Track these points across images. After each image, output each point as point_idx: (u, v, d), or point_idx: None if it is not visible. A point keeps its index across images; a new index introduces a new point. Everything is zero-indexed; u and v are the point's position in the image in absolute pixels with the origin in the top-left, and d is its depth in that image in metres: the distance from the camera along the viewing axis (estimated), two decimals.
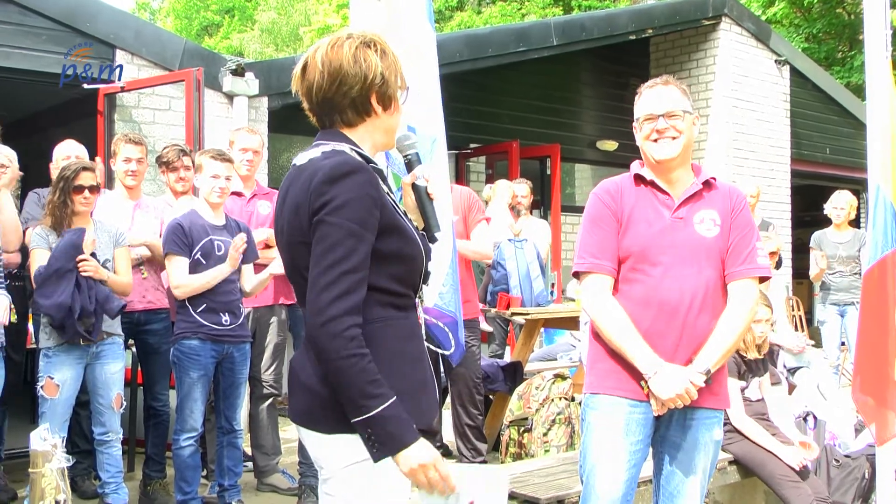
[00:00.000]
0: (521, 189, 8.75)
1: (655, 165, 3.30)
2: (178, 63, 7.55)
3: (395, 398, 2.16)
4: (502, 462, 5.86)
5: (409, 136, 2.54)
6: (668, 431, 3.29)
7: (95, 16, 7.28)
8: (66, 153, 5.63)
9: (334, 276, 2.19)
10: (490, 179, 10.46)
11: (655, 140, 3.25)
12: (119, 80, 7.30)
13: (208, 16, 31.43)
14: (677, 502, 3.30)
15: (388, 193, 2.37)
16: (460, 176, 11.17)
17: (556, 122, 11.92)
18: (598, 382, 3.32)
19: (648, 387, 3.14)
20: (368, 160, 2.39)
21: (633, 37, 11.32)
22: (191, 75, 7.04)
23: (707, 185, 3.33)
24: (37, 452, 3.01)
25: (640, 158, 3.39)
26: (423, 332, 2.45)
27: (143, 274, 5.39)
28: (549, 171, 11.47)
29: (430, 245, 2.44)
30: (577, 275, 3.39)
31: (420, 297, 2.45)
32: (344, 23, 24.85)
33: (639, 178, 3.33)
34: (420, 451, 2.17)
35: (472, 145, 11.23)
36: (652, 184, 3.31)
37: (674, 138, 3.24)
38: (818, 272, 8.48)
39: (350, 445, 2.23)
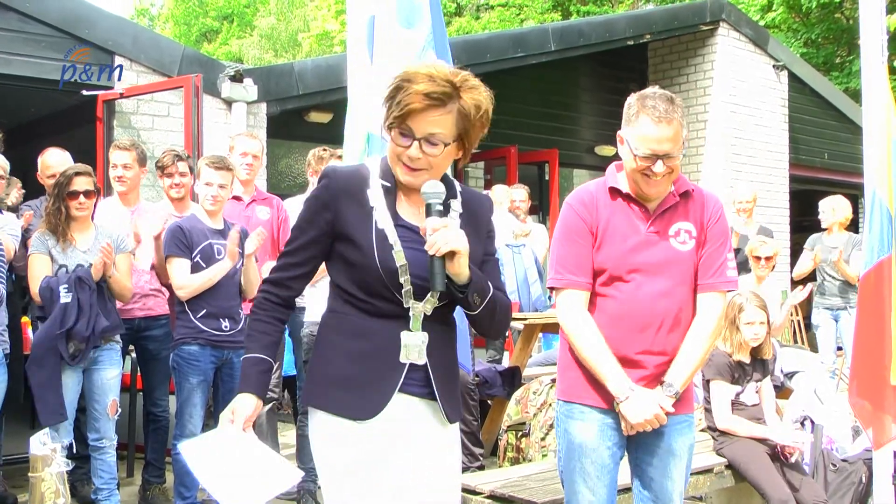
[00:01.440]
0: (519, 194, 8.79)
1: (643, 196, 3.22)
2: (177, 69, 7.58)
3: (252, 354, 2.63)
4: (500, 467, 5.87)
5: (435, 185, 2.52)
6: (641, 438, 3.26)
7: (94, 22, 7.31)
8: (50, 161, 5.65)
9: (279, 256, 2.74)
10: (488, 185, 10.48)
11: (648, 176, 3.13)
12: (119, 80, 7.33)
13: (207, 22, 31.46)
14: None
15: (367, 205, 2.58)
16: (459, 181, 11.17)
17: (554, 127, 11.95)
18: (569, 391, 3.30)
19: (619, 409, 3.15)
20: (389, 174, 2.61)
21: (631, 42, 11.37)
22: (189, 81, 7.06)
23: (685, 195, 3.25)
24: (36, 457, 3.03)
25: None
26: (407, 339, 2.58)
27: (135, 259, 5.33)
28: (547, 177, 11.49)
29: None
30: (552, 289, 3.38)
31: (411, 308, 2.57)
32: (342, 28, 24.92)
33: (614, 191, 3.25)
34: (237, 400, 2.61)
35: None
36: (628, 196, 3.24)
37: (666, 176, 3.14)
38: (803, 271, 8.55)
39: None
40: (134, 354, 5.79)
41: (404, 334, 2.57)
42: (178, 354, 4.94)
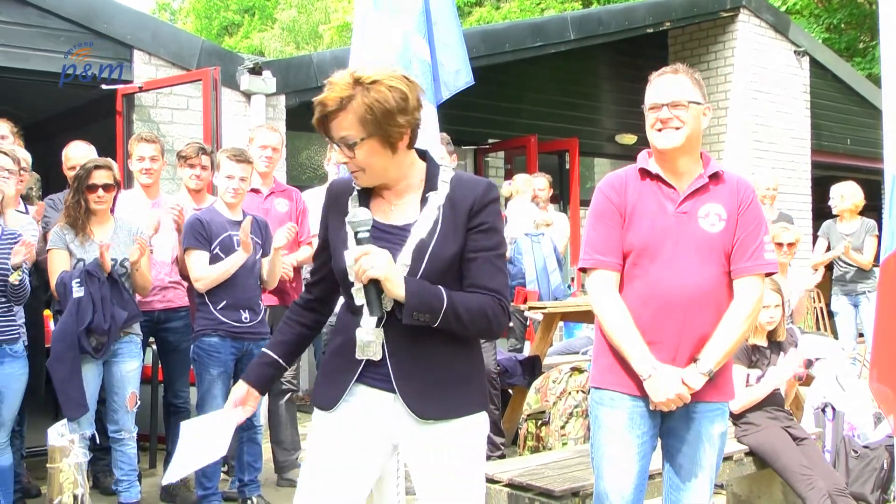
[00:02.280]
0: (540, 182, 8.78)
1: (659, 156, 3.27)
2: (196, 62, 7.61)
3: (264, 350, 2.86)
4: (520, 455, 5.88)
5: (356, 214, 2.57)
6: (672, 424, 3.28)
7: (112, 17, 7.35)
8: (73, 154, 5.69)
9: None
10: (509, 175, 10.47)
11: (659, 130, 3.21)
12: (131, 76, 7.36)
13: (228, 15, 31.53)
14: (684, 494, 3.30)
15: (346, 211, 2.67)
16: (479, 172, 11.17)
17: (574, 116, 11.91)
18: (600, 377, 3.32)
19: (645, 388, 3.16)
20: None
21: (650, 30, 11.30)
22: (208, 74, 7.09)
23: (715, 177, 3.27)
24: (54, 448, 3.06)
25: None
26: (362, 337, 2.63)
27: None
28: (567, 166, 11.46)
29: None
30: (583, 270, 3.38)
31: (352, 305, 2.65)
32: None
33: (644, 172, 3.29)
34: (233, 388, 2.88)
35: (490, 141, 11.24)
36: (657, 177, 3.27)
37: (677, 129, 3.17)
38: (820, 260, 8.47)
39: None
40: (154, 346, 5.83)
41: (357, 331, 2.61)
42: (198, 346, 4.97)
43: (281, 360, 2.84)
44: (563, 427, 5.75)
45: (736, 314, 3.19)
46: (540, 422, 5.94)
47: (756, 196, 3.34)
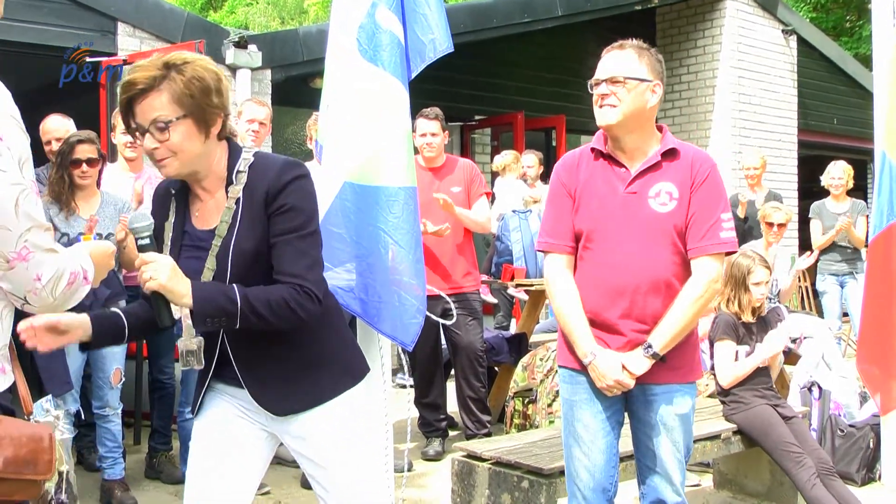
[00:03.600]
0: (529, 159, 8.76)
1: (605, 133, 3.20)
2: (181, 36, 7.52)
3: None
4: (507, 433, 5.87)
5: (137, 218, 2.45)
6: (633, 407, 3.25)
7: None
8: (49, 127, 5.61)
9: None
10: (496, 151, 10.42)
11: (601, 106, 3.13)
12: (115, 49, 7.28)
13: None
14: (654, 478, 3.25)
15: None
16: (465, 148, 11.13)
17: (561, 93, 11.84)
18: (562, 355, 3.31)
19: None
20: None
21: (638, 7, 11.25)
22: (193, 48, 6.98)
23: (670, 154, 3.16)
24: (38, 424, 3.00)
25: None
26: None
27: None
28: (554, 143, 11.43)
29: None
30: (543, 251, 3.35)
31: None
32: None
33: (596, 151, 3.22)
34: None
35: (476, 117, 11.18)
36: (609, 157, 3.19)
37: (613, 106, 3.09)
38: (823, 241, 8.45)
39: None
40: None
41: (178, 342, 2.57)
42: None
43: (125, 327, 2.60)
44: (550, 405, 5.74)
45: (686, 296, 3.10)
46: (527, 399, 5.93)
47: (715, 171, 3.19)
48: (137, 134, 2.47)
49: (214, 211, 2.58)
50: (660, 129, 3.27)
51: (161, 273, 2.34)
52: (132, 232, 2.41)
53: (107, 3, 7.28)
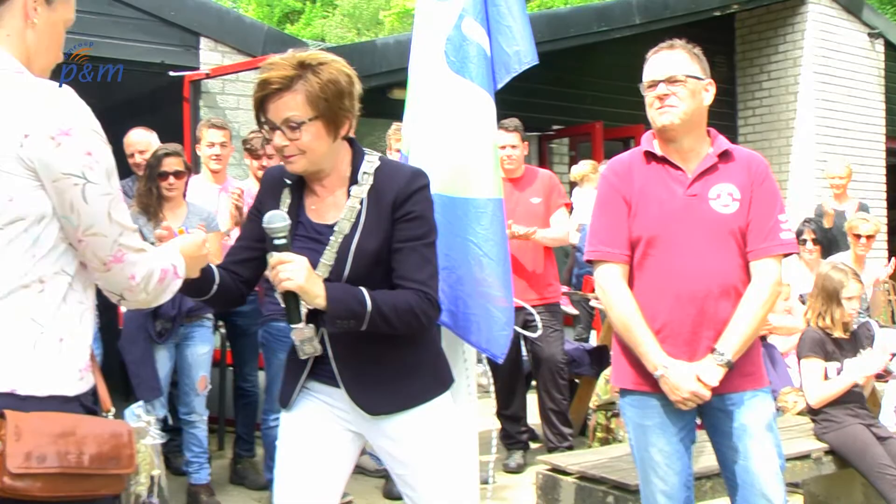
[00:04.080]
0: None
1: (662, 135, 3.11)
2: (261, 49, 7.63)
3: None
4: (589, 447, 5.80)
5: (273, 218, 2.46)
6: (712, 420, 3.12)
7: (180, 5, 7.43)
8: (132, 139, 5.73)
9: None
10: (573, 161, 10.36)
11: (658, 108, 3.05)
12: (197, 63, 7.41)
13: (289, 2, 31.66)
14: (750, 496, 3.06)
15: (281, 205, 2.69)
16: (543, 158, 11.08)
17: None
18: (623, 378, 3.19)
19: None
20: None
21: (718, 13, 11.09)
22: None
23: (725, 155, 3.10)
24: (127, 424, 3.05)
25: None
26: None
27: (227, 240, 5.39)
28: None
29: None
30: (590, 262, 3.25)
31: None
32: None
33: (649, 155, 3.14)
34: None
35: (554, 127, 11.13)
36: (663, 159, 3.11)
37: (675, 106, 3.03)
38: None
39: None
40: (223, 330, 5.86)
41: (291, 333, 2.59)
42: (266, 331, 4.98)
43: (216, 278, 2.62)
44: None
45: (753, 299, 3.01)
46: (610, 413, 5.85)
47: (770, 172, 3.15)
48: (266, 128, 2.54)
49: (332, 207, 2.62)
50: (708, 130, 3.20)
51: (298, 274, 2.39)
52: (269, 231, 2.45)
53: (190, 18, 7.43)
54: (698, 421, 3.21)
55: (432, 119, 3.55)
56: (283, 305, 2.51)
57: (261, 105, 2.52)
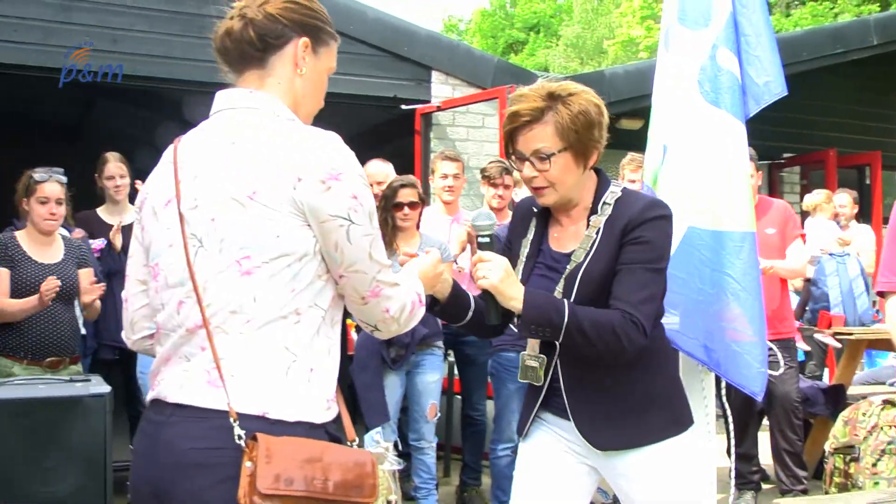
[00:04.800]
0: (842, 198, 8.33)
1: None
2: (490, 81, 7.78)
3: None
4: (826, 492, 5.53)
5: (481, 216, 2.53)
6: None
7: (413, 40, 7.69)
8: (374, 171, 5.96)
9: None
10: (805, 190, 9.97)
11: None
12: (428, 96, 7.65)
13: (513, 33, 32.15)
14: None
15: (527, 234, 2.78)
16: (773, 187, 10.72)
17: (876, 127, 11.16)
18: None
19: None
20: None
21: None
22: (503, 92, 7.23)
23: None
24: (370, 454, 3.17)
25: None
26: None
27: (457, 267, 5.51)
28: (868, 181, 10.76)
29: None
30: (881, 294, 3.06)
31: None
32: (648, 34, 24.60)
33: None
34: None
35: (785, 155, 10.75)
36: None
37: None
38: None
39: None
40: (452, 358, 5.98)
41: (521, 354, 2.64)
42: (496, 360, 5.06)
43: (470, 309, 2.65)
44: (875, 464, 5.34)
45: None
46: (848, 457, 5.55)
47: None
48: (515, 159, 2.60)
49: (573, 237, 2.65)
50: None
51: (494, 273, 2.44)
52: (475, 229, 2.53)
53: (422, 53, 7.69)
54: None
55: (686, 150, 3.54)
56: (515, 331, 2.57)
57: (510, 137, 2.58)
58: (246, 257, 1.93)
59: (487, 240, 2.51)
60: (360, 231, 1.98)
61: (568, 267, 2.58)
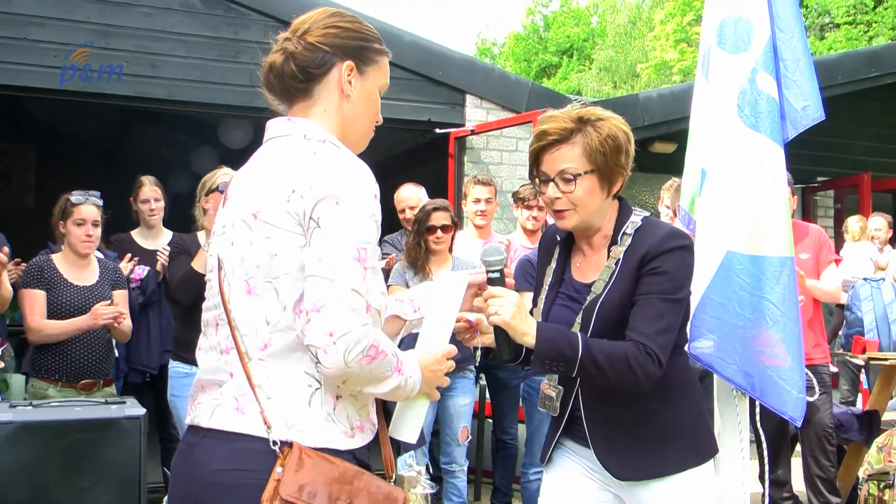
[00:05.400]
0: (877, 222, 8.28)
1: None
2: (525, 105, 7.82)
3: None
4: None
5: (490, 252, 2.48)
6: None
7: (447, 65, 7.73)
8: (402, 196, 6.01)
9: None
10: (839, 215, 9.91)
11: None
12: (462, 120, 7.70)
13: (546, 57, 32.22)
14: None
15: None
16: (807, 211, 10.65)
17: None
18: None
19: None
20: None
21: None
22: (537, 116, 7.26)
23: None
24: (402, 478, 3.20)
25: None
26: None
27: None
28: None
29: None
30: None
31: None
32: (682, 57, 24.58)
33: None
34: None
35: (819, 179, 10.68)
36: None
37: None
38: None
39: None
40: (483, 382, 6.00)
41: (542, 383, 2.68)
42: (529, 384, 5.07)
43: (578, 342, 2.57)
44: None
45: None
46: (883, 484, 5.51)
47: None
48: (538, 181, 2.61)
49: (594, 267, 2.66)
50: None
51: (506, 310, 2.41)
52: (485, 264, 2.51)
53: (457, 77, 7.74)
54: None
55: (725, 175, 3.55)
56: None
57: (536, 157, 2.59)
58: (251, 277, 1.96)
59: (497, 275, 2.49)
60: (322, 235, 1.89)
61: (588, 298, 2.59)
